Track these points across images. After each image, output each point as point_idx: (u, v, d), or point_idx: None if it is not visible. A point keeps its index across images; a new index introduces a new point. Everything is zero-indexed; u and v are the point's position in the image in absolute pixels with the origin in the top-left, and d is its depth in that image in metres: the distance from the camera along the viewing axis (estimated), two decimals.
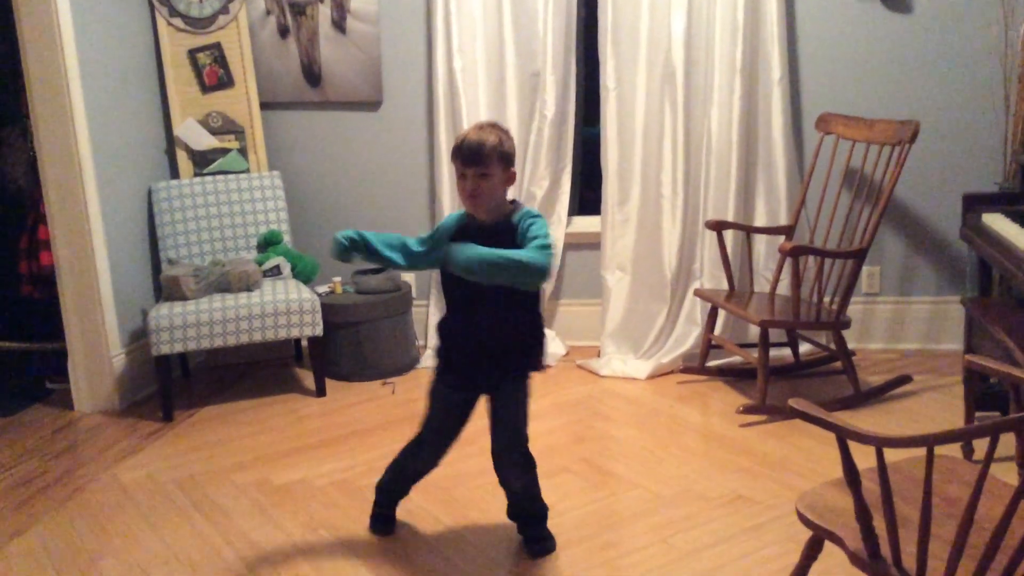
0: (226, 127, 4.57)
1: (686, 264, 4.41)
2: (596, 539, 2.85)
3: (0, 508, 3.24)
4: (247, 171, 4.58)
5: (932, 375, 4.09)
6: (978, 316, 3.27)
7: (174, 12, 4.45)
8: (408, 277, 4.63)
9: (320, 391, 4.21)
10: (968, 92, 4.20)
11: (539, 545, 2.79)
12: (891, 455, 1.74)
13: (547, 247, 2.44)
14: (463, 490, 3.16)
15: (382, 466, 3.41)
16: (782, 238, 4.12)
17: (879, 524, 1.78)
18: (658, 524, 2.92)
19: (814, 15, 4.26)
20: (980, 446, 3.07)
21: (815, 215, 4.10)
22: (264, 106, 4.65)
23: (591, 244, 4.55)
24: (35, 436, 3.89)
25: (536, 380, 4.29)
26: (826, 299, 3.88)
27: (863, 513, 1.79)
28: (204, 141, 4.53)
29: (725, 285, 4.14)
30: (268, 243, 4.46)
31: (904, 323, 4.46)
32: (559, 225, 4.52)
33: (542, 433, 3.67)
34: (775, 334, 4.01)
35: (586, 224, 4.65)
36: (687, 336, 4.37)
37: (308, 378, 4.38)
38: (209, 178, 4.48)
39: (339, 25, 4.58)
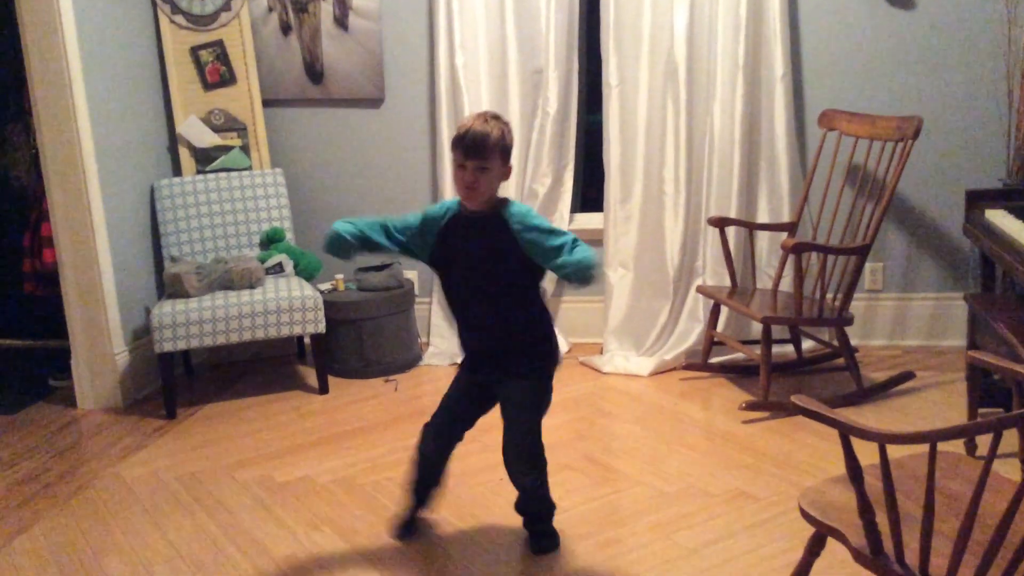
0: (228, 124, 4.57)
1: (688, 261, 4.40)
2: (599, 536, 2.85)
3: (4, 506, 3.24)
4: (249, 168, 4.58)
5: (935, 372, 4.09)
6: (981, 312, 3.26)
7: (176, 9, 4.45)
8: (411, 274, 4.63)
9: (323, 388, 4.22)
10: (971, 88, 4.19)
11: (543, 542, 2.79)
12: (894, 451, 1.74)
13: (575, 240, 2.44)
14: (467, 487, 3.16)
15: (385, 463, 3.43)
16: (784, 235, 4.11)
17: (882, 520, 1.78)
18: (661, 521, 2.92)
19: (816, 11, 4.25)
20: (983, 442, 3.07)
21: (818, 212, 4.10)
22: (266, 103, 4.65)
23: (593, 241, 4.52)
24: (38, 434, 3.90)
25: None
26: (829, 296, 3.88)
27: (866, 509, 1.79)
28: (206, 138, 4.53)
29: (727, 282, 4.14)
30: (270, 240, 4.46)
31: (907, 319, 4.45)
32: (561, 222, 4.52)
33: (545, 430, 3.64)
34: (778, 331, 4.01)
35: (588, 221, 4.65)
36: (689, 333, 4.37)
37: (311, 375, 4.38)
38: (212, 175, 4.48)
39: (341, 22, 4.58)
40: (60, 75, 3.86)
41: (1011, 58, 3.96)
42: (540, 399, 2.69)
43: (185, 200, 4.38)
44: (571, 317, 4.69)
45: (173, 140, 4.56)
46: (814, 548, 2.10)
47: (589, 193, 4.90)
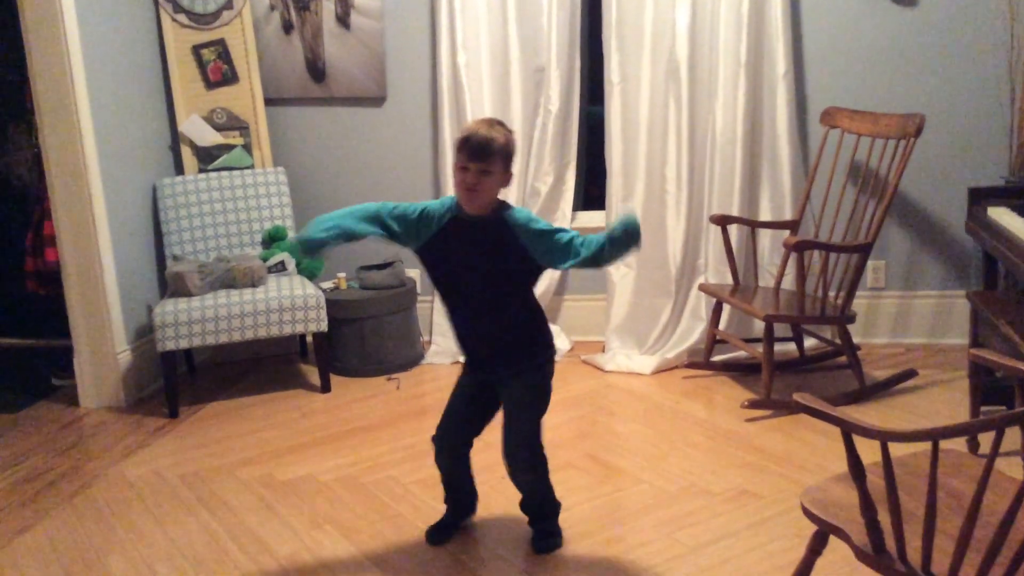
0: (230, 123, 4.57)
1: (691, 259, 4.40)
2: (601, 534, 2.85)
3: (6, 504, 3.25)
4: (251, 167, 4.58)
5: (937, 369, 4.09)
6: (984, 310, 3.26)
7: (178, 8, 4.45)
8: (413, 273, 4.64)
9: (325, 387, 4.22)
10: (974, 86, 4.18)
11: (546, 541, 2.79)
12: (896, 449, 1.74)
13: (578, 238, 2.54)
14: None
15: (387, 462, 3.43)
16: (787, 233, 4.11)
17: (884, 518, 1.78)
18: (663, 519, 2.92)
19: (819, 9, 4.24)
20: (985, 440, 3.07)
21: (820, 209, 4.09)
22: (268, 102, 4.65)
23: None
24: (41, 433, 3.91)
25: None
26: (831, 294, 3.87)
27: (868, 507, 1.79)
28: (209, 137, 4.53)
29: (730, 280, 4.14)
30: (273, 239, 4.46)
31: (909, 317, 4.45)
32: (563, 221, 4.52)
33: (547, 428, 3.63)
34: (780, 329, 4.01)
35: (590, 219, 4.65)
36: (692, 331, 4.37)
37: (313, 374, 4.39)
38: (214, 174, 4.49)
39: (343, 21, 4.58)
40: (62, 74, 3.86)
41: (1013, 55, 3.95)
42: (540, 397, 2.69)
43: (187, 199, 4.39)
44: (573, 315, 4.69)
45: (175, 139, 4.56)
46: (816, 546, 2.10)
47: (591, 191, 4.90)
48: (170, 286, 4.10)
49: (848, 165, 4.04)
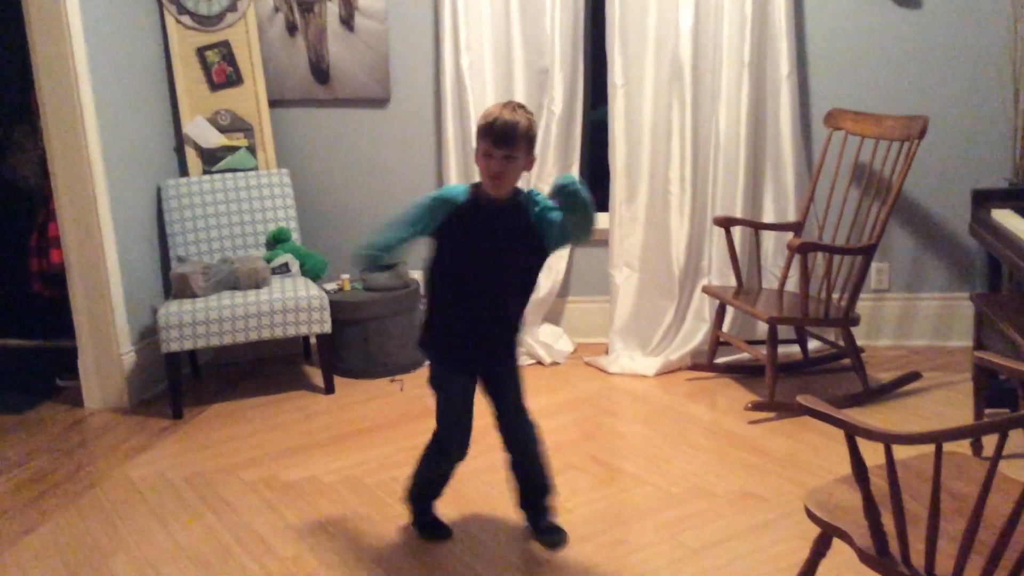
0: (235, 125, 4.58)
1: (694, 261, 4.40)
2: (605, 536, 2.85)
3: (11, 505, 3.25)
4: (256, 169, 4.59)
5: (941, 372, 4.08)
6: (988, 312, 3.26)
7: (183, 10, 4.46)
8: (416, 274, 4.64)
9: (328, 388, 4.22)
10: (977, 87, 4.18)
11: (556, 535, 2.78)
12: (900, 452, 1.74)
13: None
14: (472, 487, 3.16)
15: (391, 463, 3.43)
16: (790, 235, 4.11)
17: (888, 521, 1.78)
18: (667, 521, 2.92)
19: (822, 10, 4.24)
20: (989, 443, 3.06)
21: (824, 211, 4.09)
22: (272, 104, 4.65)
23: (599, 241, 4.54)
24: (45, 434, 3.91)
25: (544, 377, 4.33)
26: (835, 296, 3.87)
27: (872, 510, 1.79)
28: (213, 139, 4.54)
29: (733, 282, 4.13)
30: (277, 240, 4.47)
31: (913, 320, 4.45)
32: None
33: (551, 430, 3.65)
34: (784, 331, 4.00)
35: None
36: (695, 333, 4.37)
37: (316, 375, 4.39)
38: (218, 176, 4.49)
39: (347, 22, 4.58)
40: (67, 76, 3.87)
41: (1017, 57, 3.95)
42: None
43: (192, 200, 4.39)
44: (577, 317, 4.70)
45: (180, 140, 4.57)
46: (820, 548, 2.10)
47: (594, 193, 4.89)
48: (174, 287, 4.11)
49: (852, 167, 4.04)
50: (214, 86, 4.55)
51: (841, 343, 4.00)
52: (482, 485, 3.18)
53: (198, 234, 4.38)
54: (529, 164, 2.54)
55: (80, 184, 3.96)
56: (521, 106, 2.52)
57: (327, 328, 4.12)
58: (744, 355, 4.23)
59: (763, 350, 3.77)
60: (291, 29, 4.62)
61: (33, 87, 4.00)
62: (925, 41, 4.20)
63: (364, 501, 3.15)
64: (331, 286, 4.52)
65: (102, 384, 4.14)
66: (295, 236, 4.52)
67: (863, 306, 4.27)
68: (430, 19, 4.53)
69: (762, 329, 4.07)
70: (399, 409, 4.00)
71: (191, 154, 4.53)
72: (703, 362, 4.25)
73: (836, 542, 2.02)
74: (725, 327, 4.18)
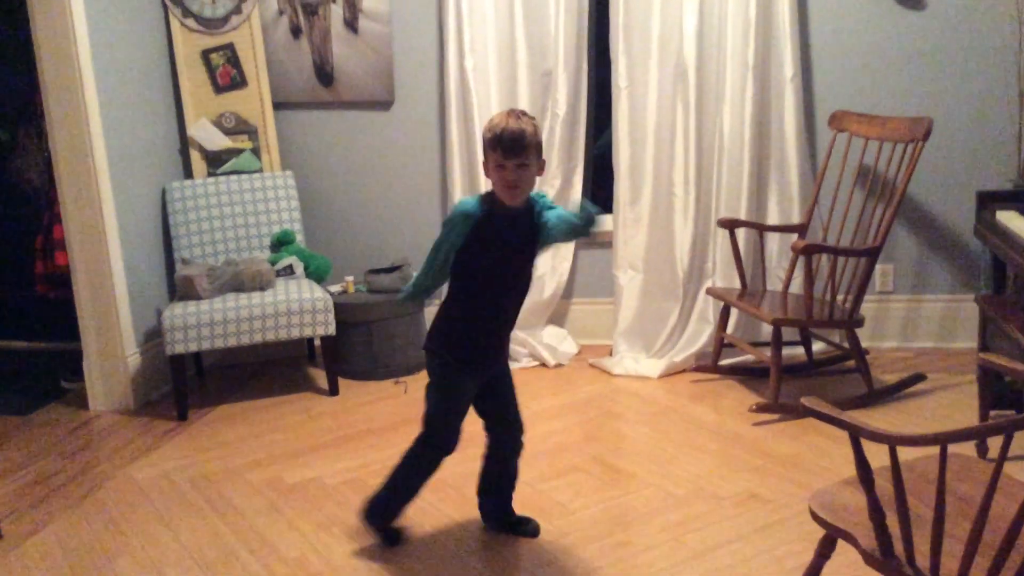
0: (239, 127, 4.59)
1: (698, 263, 4.40)
2: (609, 538, 2.85)
3: (16, 507, 3.26)
4: (260, 171, 4.60)
5: (946, 373, 4.08)
6: (992, 314, 3.25)
7: (187, 12, 4.47)
8: None
9: (333, 390, 4.23)
10: (982, 89, 4.18)
11: (529, 525, 2.88)
12: (904, 454, 1.74)
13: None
14: (473, 487, 3.15)
15: (394, 465, 3.42)
16: (795, 236, 4.10)
17: (892, 523, 1.77)
18: (671, 523, 2.92)
19: (826, 12, 4.24)
20: (994, 444, 3.06)
21: (828, 213, 4.09)
22: (277, 106, 4.66)
23: (603, 243, 4.55)
24: (50, 435, 3.92)
25: (548, 378, 4.33)
26: (839, 297, 3.87)
27: (876, 512, 1.79)
28: (217, 141, 4.54)
29: (737, 284, 4.13)
30: (281, 243, 4.48)
31: (918, 321, 4.44)
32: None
33: (554, 432, 3.67)
34: (788, 333, 4.00)
35: (598, 223, 4.63)
36: (699, 335, 4.37)
37: (321, 377, 4.40)
38: (223, 178, 4.50)
39: (351, 25, 4.59)
40: (72, 78, 3.88)
41: (1021, 58, 3.94)
42: None
43: (196, 203, 4.40)
44: (581, 319, 4.70)
45: (184, 143, 4.58)
46: (824, 550, 2.10)
47: (598, 195, 4.89)
48: (179, 289, 4.11)
49: (856, 169, 4.03)
50: (219, 88, 4.56)
51: (846, 345, 3.99)
52: None
53: (203, 236, 4.39)
54: (540, 169, 2.56)
55: (85, 186, 3.97)
56: (524, 113, 2.54)
57: (331, 330, 4.12)
58: (748, 357, 4.23)
59: (767, 352, 3.77)
60: (295, 32, 4.63)
61: (38, 90, 4.01)
62: (929, 43, 4.20)
63: None
64: (335, 288, 4.52)
65: (107, 386, 4.15)
66: (299, 238, 4.53)
67: (868, 308, 4.27)
68: (434, 21, 4.53)
69: (766, 331, 4.06)
70: (403, 411, 4.00)
71: (196, 156, 4.54)
72: (707, 364, 4.24)
73: (841, 544, 2.02)
74: (729, 329, 4.17)
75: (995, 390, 3.27)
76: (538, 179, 4.43)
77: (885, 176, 3.92)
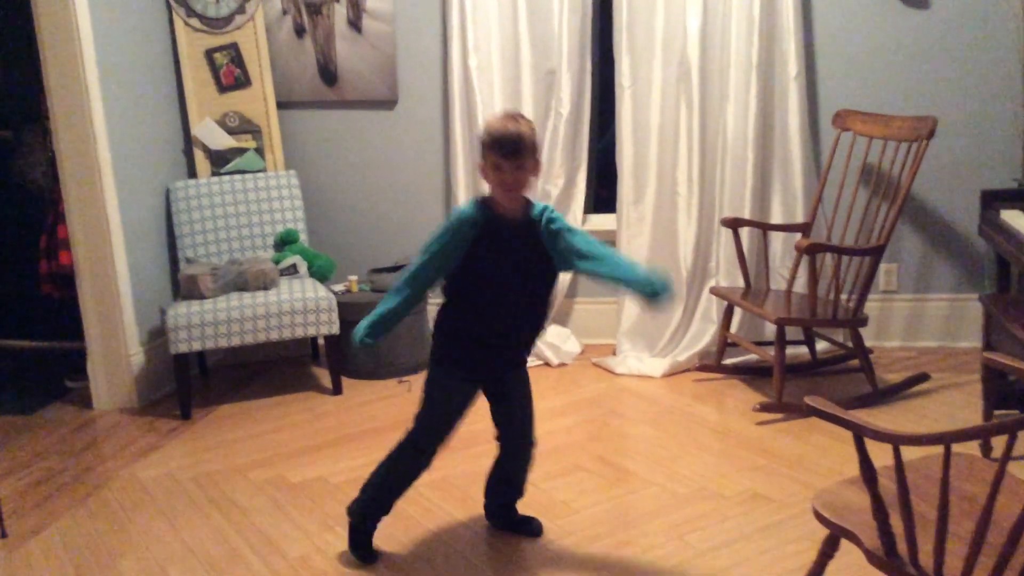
0: (243, 127, 4.59)
1: (702, 262, 4.40)
2: (612, 537, 2.85)
3: (20, 505, 3.26)
4: (264, 170, 4.60)
5: (950, 373, 4.07)
6: (997, 313, 3.25)
7: (191, 12, 4.48)
8: None
9: (336, 389, 4.23)
10: (986, 88, 4.17)
11: (532, 525, 2.87)
12: (908, 453, 1.73)
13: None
14: (478, 488, 3.15)
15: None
16: (798, 235, 4.10)
17: (896, 522, 1.77)
18: (674, 522, 2.92)
19: (830, 11, 4.24)
20: (998, 444, 3.05)
21: (832, 212, 4.08)
22: (281, 105, 4.67)
23: (606, 242, 4.52)
24: (54, 434, 3.93)
25: (552, 378, 4.33)
26: (843, 297, 3.86)
27: (880, 511, 1.79)
28: (221, 141, 4.55)
29: (741, 283, 4.13)
30: (285, 242, 4.48)
31: (922, 320, 4.43)
32: (574, 223, 4.50)
33: (557, 431, 3.67)
34: (792, 332, 4.00)
35: (601, 222, 4.65)
36: (703, 334, 4.36)
37: (324, 376, 4.40)
38: (226, 177, 4.51)
39: (355, 24, 4.59)
40: (76, 78, 3.88)
41: None
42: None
43: (200, 202, 4.41)
44: (584, 318, 4.69)
45: (188, 142, 4.58)
46: (828, 550, 2.10)
47: (602, 194, 4.90)
48: (183, 289, 4.12)
49: (860, 168, 4.03)
50: (222, 88, 4.56)
51: (849, 344, 3.99)
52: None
53: (206, 236, 4.39)
54: (537, 170, 2.57)
55: (89, 186, 3.98)
56: (521, 115, 2.57)
57: (335, 329, 4.13)
58: (752, 356, 4.23)
59: (771, 351, 3.77)
60: (299, 31, 4.63)
61: (43, 90, 4.02)
62: (933, 42, 4.19)
63: None
64: (339, 287, 4.53)
65: (111, 385, 4.15)
66: (303, 237, 4.53)
67: (871, 307, 4.27)
68: (438, 21, 4.54)
69: (770, 330, 4.06)
70: (407, 410, 3.94)
71: (199, 156, 4.55)
72: (711, 363, 4.24)
73: (844, 543, 2.01)
74: (733, 328, 4.17)
75: (999, 389, 3.26)
76: (541, 180, 4.47)
77: (889, 175, 3.91)
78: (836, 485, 2.11)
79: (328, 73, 4.66)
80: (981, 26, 4.12)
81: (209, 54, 4.53)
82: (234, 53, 4.55)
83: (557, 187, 4.47)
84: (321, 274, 4.43)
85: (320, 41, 4.63)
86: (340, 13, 4.58)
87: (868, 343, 4.09)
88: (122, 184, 4.09)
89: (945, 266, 4.38)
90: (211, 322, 3.94)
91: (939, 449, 1.65)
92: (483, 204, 2.56)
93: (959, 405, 3.72)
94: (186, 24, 4.49)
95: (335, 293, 4.34)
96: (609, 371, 4.35)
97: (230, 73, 4.56)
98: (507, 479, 2.86)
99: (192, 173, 4.60)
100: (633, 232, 4.42)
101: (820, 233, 4.17)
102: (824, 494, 2.06)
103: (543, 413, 3.80)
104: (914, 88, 4.22)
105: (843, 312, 3.78)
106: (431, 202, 4.73)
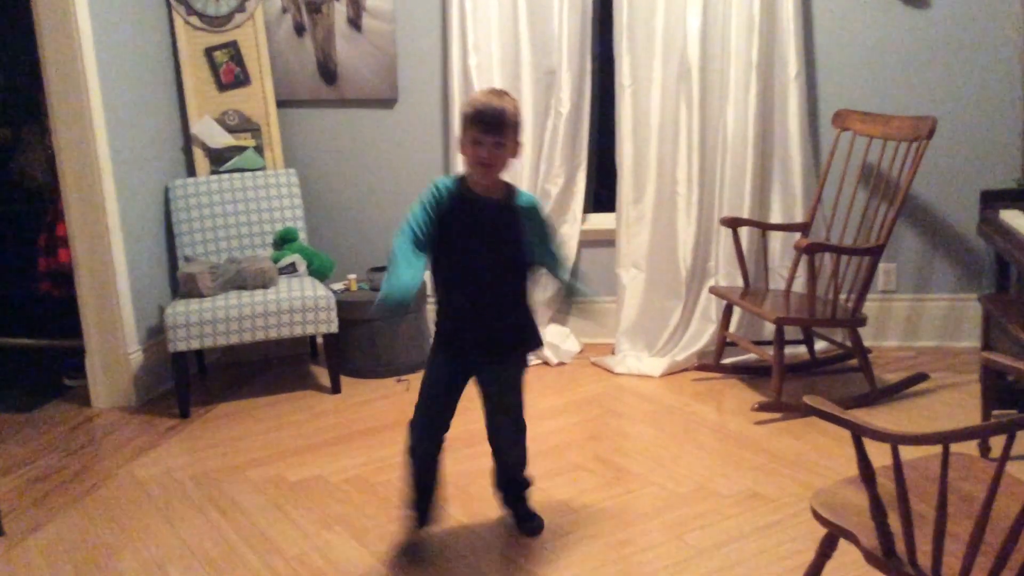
0: (242, 125, 4.59)
1: (701, 261, 4.39)
2: (611, 536, 2.85)
3: (18, 504, 3.26)
4: (263, 169, 4.60)
5: (949, 373, 4.07)
6: (996, 313, 3.25)
7: (191, 10, 4.47)
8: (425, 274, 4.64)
9: (335, 388, 4.23)
10: (986, 88, 4.17)
11: (532, 523, 2.86)
12: (907, 453, 1.73)
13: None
14: (478, 487, 3.15)
15: (397, 463, 3.42)
16: (798, 235, 4.10)
17: (894, 522, 1.77)
18: (673, 521, 2.92)
19: (830, 10, 4.23)
20: (997, 444, 3.06)
21: (831, 212, 4.08)
22: (280, 104, 4.66)
23: (606, 241, 4.54)
24: (53, 432, 3.93)
25: (551, 377, 4.32)
26: (842, 296, 3.86)
27: (878, 511, 1.78)
28: (221, 139, 4.55)
29: (740, 282, 4.13)
30: (284, 240, 4.48)
31: (921, 320, 4.43)
32: (574, 222, 4.52)
33: (556, 430, 3.67)
34: (790, 331, 4.00)
35: (601, 221, 4.65)
36: (702, 333, 4.36)
37: (323, 375, 4.40)
38: (226, 176, 4.50)
39: (355, 23, 4.59)
40: (75, 76, 3.88)
41: None
42: (524, 377, 2.75)
43: (199, 200, 4.41)
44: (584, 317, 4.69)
45: (187, 140, 4.58)
46: (826, 549, 2.10)
47: (601, 193, 4.89)
48: (182, 287, 4.12)
49: (860, 167, 4.03)
50: (222, 86, 4.56)
51: (848, 344, 3.99)
52: (489, 486, 3.17)
53: (205, 234, 4.39)
54: (516, 150, 2.54)
55: (88, 184, 3.98)
56: (505, 92, 2.55)
57: (334, 328, 4.13)
58: (751, 356, 4.23)
59: (770, 351, 3.77)
60: (299, 29, 4.63)
61: (42, 87, 4.02)
62: (933, 41, 4.19)
63: (370, 501, 3.15)
64: (338, 286, 4.53)
65: (109, 383, 4.15)
66: (302, 236, 4.53)
67: (870, 307, 4.27)
68: (438, 20, 4.53)
69: (769, 330, 4.06)
70: (405, 409, 3.95)
71: (199, 154, 4.54)
72: (710, 363, 4.24)
73: (842, 543, 2.01)
74: (732, 328, 4.17)
75: (998, 389, 3.26)
76: (540, 176, 4.46)
77: (888, 175, 3.91)
78: (834, 485, 2.11)
79: (328, 72, 4.66)
80: (981, 26, 4.12)
81: (209, 52, 4.53)
82: (234, 51, 4.55)
83: (557, 186, 4.47)
84: (320, 273, 4.43)
85: (320, 39, 4.63)
86: (340, 11, 4.58)
87: (867, 343, 4.09)
88: (121, 182, 4.09)
89: (944, 266, 4.38)
90: (210, 320, 3.94)
91: (937, 449, 1.65)
92: (458, 180, 2.56)
93: (958, 405, 3.72)
94: (186, 22, 4.48)
95: (334, 292, 4.34)
96: (608, 370, 4.35)
97: (230, 71, 4.56)
98: (498, 470, 2.87)
99: (191, 171, 4.59)
100: (632, 231, 4.42)
101: (819, 233, 4.17)
102: (822, 494, 2.06)
103: (542, 412, 3.81)
104: (914, 88, 4.22)
105: (842, 312, 3.78)
106: None
